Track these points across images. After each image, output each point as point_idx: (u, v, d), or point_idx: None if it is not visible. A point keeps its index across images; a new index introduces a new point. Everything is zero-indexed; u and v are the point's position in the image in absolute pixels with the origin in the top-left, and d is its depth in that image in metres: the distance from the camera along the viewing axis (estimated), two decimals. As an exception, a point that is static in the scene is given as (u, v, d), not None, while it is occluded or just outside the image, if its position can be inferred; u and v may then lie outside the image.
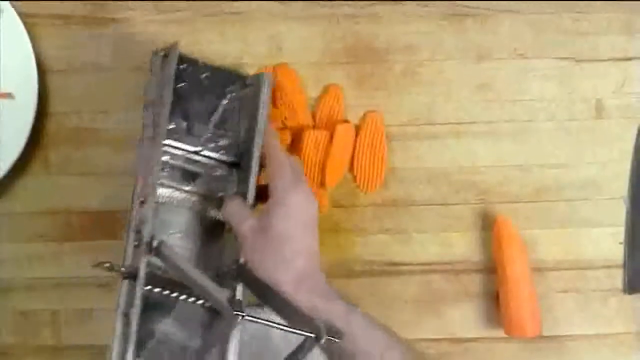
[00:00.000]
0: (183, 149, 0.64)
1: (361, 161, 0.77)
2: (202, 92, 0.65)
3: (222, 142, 0.65)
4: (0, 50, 0.75)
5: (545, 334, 0.76)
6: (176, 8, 0.78)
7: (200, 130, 0.64)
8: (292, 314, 0.57)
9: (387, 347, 0.58)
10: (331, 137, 0.77)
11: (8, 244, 0.77)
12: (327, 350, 0.59)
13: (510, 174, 0.78)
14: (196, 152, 0.64)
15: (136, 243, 0.58)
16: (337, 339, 0.55)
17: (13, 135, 0.74)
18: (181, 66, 0.64)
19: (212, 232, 0.64)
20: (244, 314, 0.53)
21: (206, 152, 0.64)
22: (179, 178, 0.63)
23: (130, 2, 0.77)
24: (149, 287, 0.58)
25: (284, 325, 0.55)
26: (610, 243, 0.79)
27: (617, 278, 0.78)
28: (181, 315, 0.60)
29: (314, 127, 0.77)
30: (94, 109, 0.77)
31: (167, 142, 0.63)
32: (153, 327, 0.59)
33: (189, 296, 0.59)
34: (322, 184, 0.77)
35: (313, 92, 0.78)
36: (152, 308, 0.58)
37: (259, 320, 0.54)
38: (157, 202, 0.61)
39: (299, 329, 0.54)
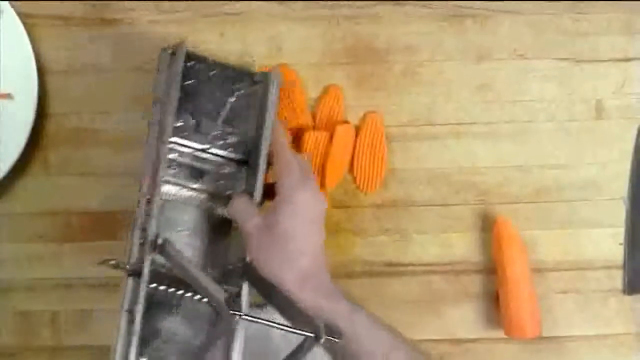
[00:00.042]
0: (191, 147, 0.63)
1: (361, 162, 0.77)
2: (210, 89, 0.65)
3: (230, 139, 0.64)
4: (0, 51, 0.75)
5: (545, 334, 0.76)
6: (176, 8, 0.78)
7: (208, 127, 0.64)
8: (295, 314, 0.57)
9: (391, 348, 0.58)
10: (331, 137, 0.76)
11: (8, 244, 0.76)
12: (331, 350, 0.59)
13: (510, 175, 0.78)
14: (204, 150, 0.64)
15: (141, 241, 0.58)
16: (337, 338, 0.55)
17: (13, 135, 0.74)
18: (189, 63, 0.64)
19: (220, 230, 0.64)
20: (241, 314, 0.53)
21: (214, 150, 0.64)
22: (186, 176, 0.63)
23: (130, 3, 0.77)
24: (153, 284, 0.58)
25: (283, 325, 0.55)
26: (610, 243, 0.78)
27: (617, 279, 0.78)
28: (187, 313, 0.60)
29: (313, 127, 0.77)
30: (93, 110, 0.77)
31: (175, 139, 0.62)
32: (158, 325, 0.59)
33: (194, 294, 0.59)
34: (322, 185, 0.77)
35: (313, 93, 0.78)
36: (157, 306, 0.59)
37: (257, 320, 0.53)
38: (163, 200, 0.61)
39: (299, 329, 0.54)
